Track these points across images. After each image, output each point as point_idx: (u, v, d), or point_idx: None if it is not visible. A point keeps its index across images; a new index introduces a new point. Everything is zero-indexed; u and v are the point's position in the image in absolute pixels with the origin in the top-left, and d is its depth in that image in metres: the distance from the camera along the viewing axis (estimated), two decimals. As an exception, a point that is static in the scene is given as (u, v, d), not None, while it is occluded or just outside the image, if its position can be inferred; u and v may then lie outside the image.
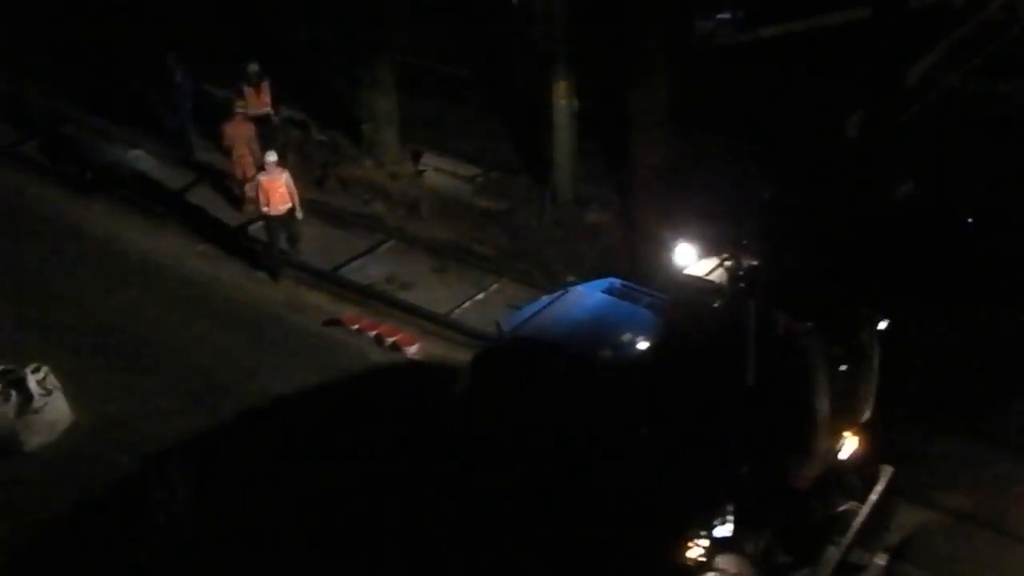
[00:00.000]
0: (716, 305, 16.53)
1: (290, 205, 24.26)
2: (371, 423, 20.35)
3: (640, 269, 23.85)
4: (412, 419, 19.90)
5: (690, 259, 17.50)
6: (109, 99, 30.32)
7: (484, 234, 25.71)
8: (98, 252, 25.43)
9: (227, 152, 26.31)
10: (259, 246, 25.21)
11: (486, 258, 25.17)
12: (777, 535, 16.46)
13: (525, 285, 24.25)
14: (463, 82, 30.04)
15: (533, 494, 16.92)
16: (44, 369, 20.61)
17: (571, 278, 22.58)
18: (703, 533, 16.08)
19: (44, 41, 31.97)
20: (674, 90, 23.24)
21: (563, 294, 19.42)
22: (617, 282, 19.40)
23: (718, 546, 16.11)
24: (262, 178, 24.18)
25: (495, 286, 24.29)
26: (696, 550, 16.11)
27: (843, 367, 16.29)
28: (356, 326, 23.11)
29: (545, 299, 19.45)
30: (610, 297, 19.03)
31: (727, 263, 16.23)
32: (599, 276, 23.83)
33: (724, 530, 16.06)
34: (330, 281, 24.62)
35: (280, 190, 24.05)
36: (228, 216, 26.54)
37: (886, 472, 17.55)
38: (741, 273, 15.99)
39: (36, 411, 20.23)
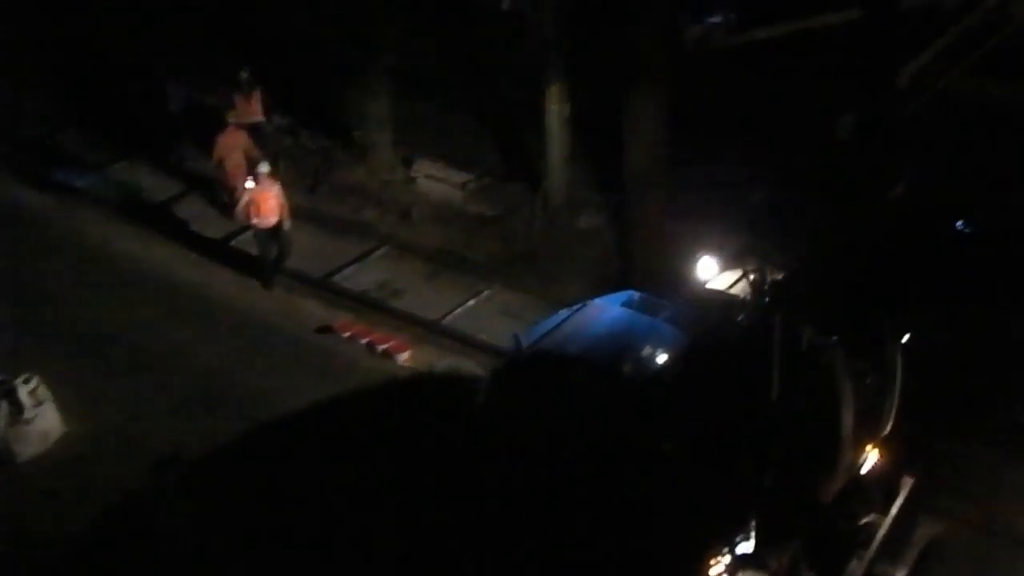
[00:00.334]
0: (740, 319, 16.45)
1: (279, 217, 24.10)
2: (374, 432, 20.32)
3: (633, 274, 23.93)
4: (423, 431, 19.82)
5: (712, 272, 17.44)
6: (99, 107, 30.23)
7: (476, 240, 25.67)
8: (90, 261, 25.37)
9: (218, 162, 26.21)
10: (251, 256, 25.15)
11: (478, 264, 25.13)
12: (801, 549, 16.36)
13: (518, 291, 24.23)
14: (455, 88, 29.99)
15: (553, 510, 16.69)
16: (35, 379, 20.55)
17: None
18: (726, 549, 15.92)
19: (33, 49, 31.86)
20: (667, 94, 23.18)
21: (582, 307, 19.22)
22: (636, 295, 19.28)
23: (741, 562, 15.97)
24: (252, 190, 23.99)
25: (487, 292, 24.24)
26: (719, 567, 15.95)
27: (867, 380, 16.21)
28: (348, 333, 23.07)
29: (564, 312, 19.27)
30: (629, 310, 18.88)
31: (752, 276, 16.10)
32: (593, 282, 23.96)
33: (747, 546, 15.93)
34: (322, 288, 24.57)
35: (270, 202, 23.90)
36: (219, 224, 26.46)
37: (907, 483, 17.46)
38: (766, 287, 15.87)
39: (27, 422, 20.19)
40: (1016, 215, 22.44)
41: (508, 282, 24.46)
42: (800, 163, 24.70)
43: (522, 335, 18.71)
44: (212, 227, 26.45)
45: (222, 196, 26.76)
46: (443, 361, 22.35)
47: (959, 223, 22.68)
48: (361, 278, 24.93)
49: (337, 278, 24.91)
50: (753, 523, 15.87)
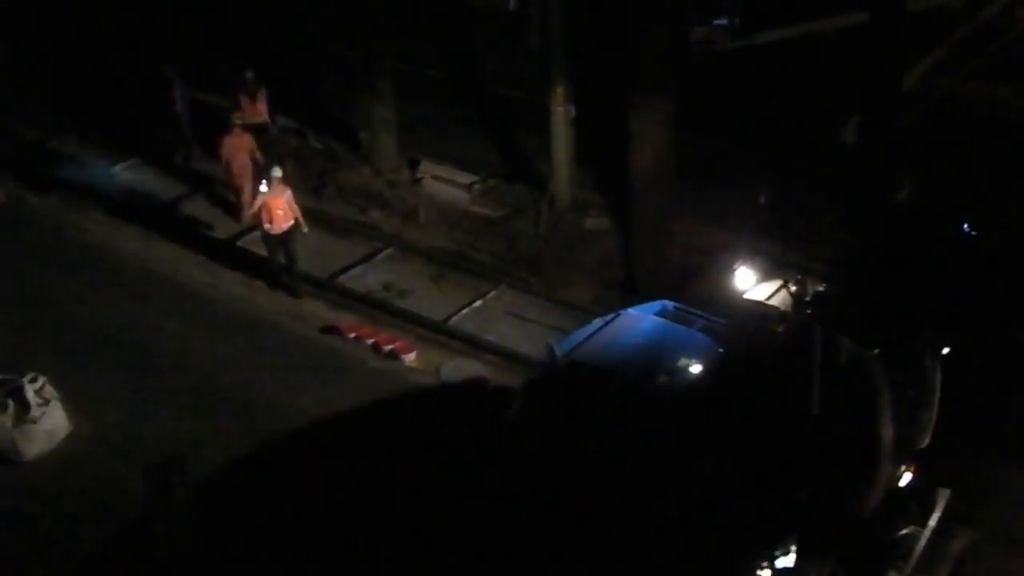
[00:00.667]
0: (778, 330, 16.36)
1: (292, 223, 24.02)
2: (389, 437, 20.33)
3: (638, 275, 23.96)
4: (445, 438, 19.78)
5: (749, 283, 17.33)
6: (104, 108, 30.24)
7: (482, 241, 25.70)
8: (95, 261, 25.37)
9: (225, 164, 26.24)
10: (256, 257, 25.17)
11: (484, 265, 25.15)
12: (841, 563, 16.19)
13: (523, 292, 24.25)
14: (460, 89, 30.02)
15: (588, 523, 16.52)
16: (41, 379, 20.55)
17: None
18: (765, 564, 15.77)
19: (37, 50, 31.89)
20: (671, 96, 23.21)
21: (615, 317, 19.04)
22: (670, 304, 19.11)
23: None
24: (265, 195, 23.89)
25: (493, 293, 24.27)
26: None
27: (907, 394, 16.17)
28: (353, 334, 23.08)
29: (597, 322, 19.09)
30: (663, 320, 18.72)
31: (792, 288, 15.97)
32: (599, 283, 23.99)
33: (786, 561, 15.76)
34: (328, 289, 24.59)
35: (282, 208, 23.85)
36: (225, 225, 26.49)
37: (943, 495, 17.36)
38: (808, 299, 15.74)
39: (34, 421, 20.18)
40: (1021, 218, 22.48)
41: (514, 283, 24.49)
42: (805, 166, 24.75)
43: (555, 344, 18.62)
44: (218, 227, 26.48)
45: (228, 197, 26.79)
46: (450, 362, 22.38)
47: (965, 226, 22.70)
48: (367, 279, 24.96)
49: (343, 279, 24.94)
50: (792, 538, 15.70)
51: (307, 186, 26.95)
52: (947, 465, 17.69)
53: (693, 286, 23.40)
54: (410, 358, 22.55)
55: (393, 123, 27.72)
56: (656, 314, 18.90)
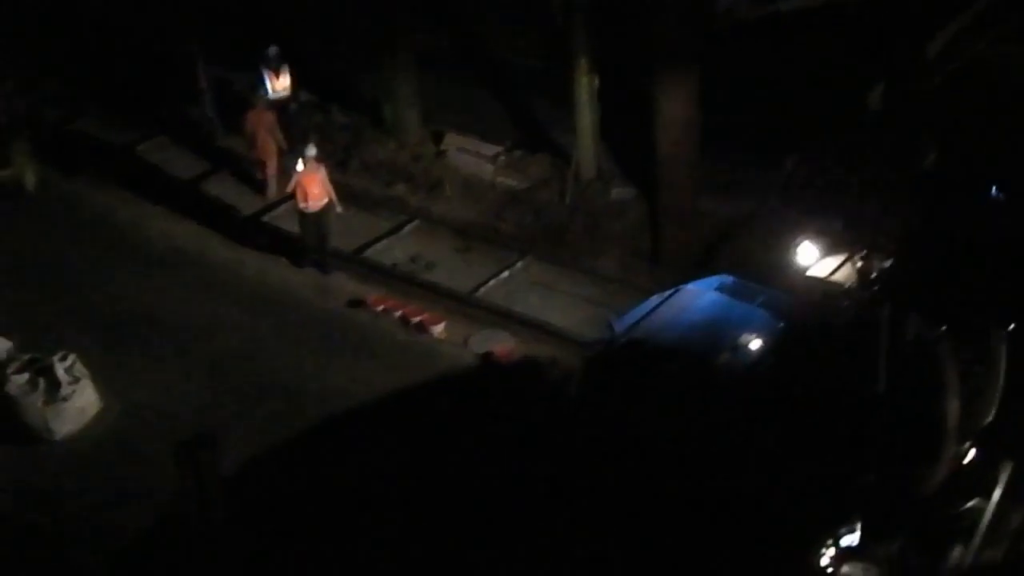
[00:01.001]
0: (844, 307, 16.20)
1: (327, 200, 24.01)
2: (426, 413, 20.36)
3: (664, 246, 23.92)
4: (494, 416, 19.80)
5: (812, 259, 17.17)
6: (128, 87, 30.24)
7: (507, 213, 25.68)
8: (123, 240, 25.47)
9: (249, 140, 26.28)
10: (282, 232, 25.20)
11: (510, 237, 25.14)
12: (907, 539, 16.02)
13: (550, 263, 24.23)
14: (484, 61, 29.96)
15: (651, 501, 16.47)
16: (71, 357, 20.66)
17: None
18: (830, 542, 15.66)
19: (60, 30, 31.87)
20: (695, 66, 23.14)
21: (673, 293, 18.93)
22: (729, 279, 18.96)
23: (846, 555, 15.67)
24: (300, 173, 23.87)
25: (519, 265, 24.25)
26: (824, 559, 15.68)
27: (973, 371, 16.04)
28: (381, 307, 23.11)
29: (655, 299, 18.99)
30: (723, 296, 18.53)
31: (858, 264, 15.79)
32: (625, 254, 23.95)
33: (851, 539, 15.65)
34: (354, 263, 24.61)
35: (317, 186, 23.82)
36: (250, 201, 26.51)
37: (1006, 468, 17.09)
38: (874, 275, 15.57)
39: (64, 399, 20.30)
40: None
41: (540, 254, 24.46)
42: (830, 133, 24.65)
43: (614, 321, 18.52)
44: (243, 204, 26.49)
45: (253, 173, 26.82)
46: (478, 334, 22.39)
47: (993, 191, 22.59)
48: (393, 252, 24.96)
49: (369, 253, 24.94)
50: (857, 516, 15.59)
51: (332, 161, 26.89)
52: (1010, 438, 17.50)
53: (722, 255, 23.41)
54: (438, 330, 22.57)
55: (417, 96, 27.67)
56: (716, 289, 18.70)
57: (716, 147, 24.38)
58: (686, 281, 22.82)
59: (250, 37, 28.93)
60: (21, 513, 18.96)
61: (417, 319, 22.67)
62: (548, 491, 17.40)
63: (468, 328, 22.70)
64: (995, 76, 25.24)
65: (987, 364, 16.30)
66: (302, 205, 23.82)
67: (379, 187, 26.90)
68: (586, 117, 25.24)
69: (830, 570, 15.71)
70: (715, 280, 18.95)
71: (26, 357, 20.71)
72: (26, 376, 20.33)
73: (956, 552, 16.12)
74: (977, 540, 16.22)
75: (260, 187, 26.62)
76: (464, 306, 23.28)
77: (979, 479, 16.60)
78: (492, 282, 23.80)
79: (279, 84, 27.19)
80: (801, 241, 17.21)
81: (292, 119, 27.39)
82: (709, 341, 17.45)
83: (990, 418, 16.43)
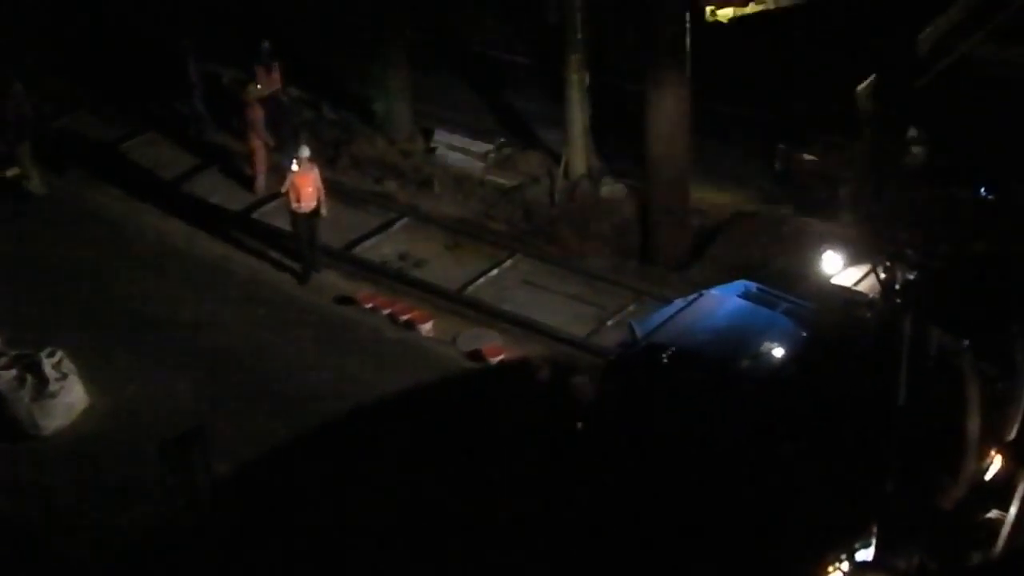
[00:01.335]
0: (866, 317, 16.13)
1: (318, 202, 23.78)
2: (417, 413, 20.32)
3: (655, 242, 23.91)
4: (505, 417, 19.73)
5: (837, 267, 17.10)
6: (117, 82, 30.17)
7: (497, 210, 25.66)
8: (112, 236, 25.38)
9: (242, 135, 26.30)
10: (272, 228, 25.18)
11: (499, 234, 25.12)
12: (926, 551, 15.86)
13: (540, 261, 24.21)
14: (475, 58, 29.93)
15: (666, 506, 16.46)
16: (59, 353, 20.61)
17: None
18: (844, 555, 15.58)
19: (48, 26, 31.78)
20: (686, 62, 23.12)
21: (697, 298, 18.82)
22: (752, 286, 18.81)
23: (860, 568, 15.59)
24: (294, 174, 23.64)
25: (509, 262, 24.24)
26: (837, 573, 15.60)
27: (996, 387, 15.95)
28: (370, 304, 23.09)
29: (678, 303, 18.91)
30: (746, 302, 18.43)
31: (882, 274, 15.66)
32: (615, 251, 23.94)
33: (866, 553, 15.56)
34: (343, 259, 24.56)
35: (310, 187, 23.64)
36: (240, 197, 26.47)
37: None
38: (897, 286, 15.46)
39: (52, 395, 20.25)
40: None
41: (530, 251, 24.45)
42: (820, 130, 24.66)
43: (636, 325, 18.45)
44: (232, 199, 26.45)
45: (242, 169, 26.80)
46: (466, 331, 22.36)
47: (982, 189, 22.60)
48: (382, 249, 24.95)
49: (358, 249, 24.92)
50: (873, 529, 15.48)
51: (322, 157, 26.86)
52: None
53: (711, 253, 23.41)
54: (427, 328, 22.54)
55: (407, 93, 27.64)
56: (739, 295, 18.59)
57: (708, 141, 24.38)
58: (678, 281, 23.01)
59: (241, 32, 28.94)
60: (7, 509, 18.90)
61: (405, 316, 22.64)
62: (561, 492, 17.41)
63: (457, 326, 22.67)
64: (985, 73, 25.25)
65: (1010, 380, 16.17)
66: (295, 206, 23.65)
67: (369, 183, 26.88)
68: (577, 114, 25.23)
69: None
70: (739, 286, 18.84)
71: (13, 353, 20.65)
72: (13, 372, 20.26)
73: (973, 561, 16.04)
74: (996, 550, 16.08)
75: (250, 182, 26.60)
76: (453, 304, 23.24)
77: (998, 491, 16.47)
78: (481, 280, 23.79)
79: (271, 80, 27.15)
80: (825, 250, 17.11)
81: (282, 115, 27.35)
82: (730, 347, 17.39)
83: (1012, 435, 16.31)
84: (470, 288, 23.61)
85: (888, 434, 15.23)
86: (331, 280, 24.10)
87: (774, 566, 15.72)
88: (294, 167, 23.67)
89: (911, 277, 15.16)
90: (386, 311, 22.85)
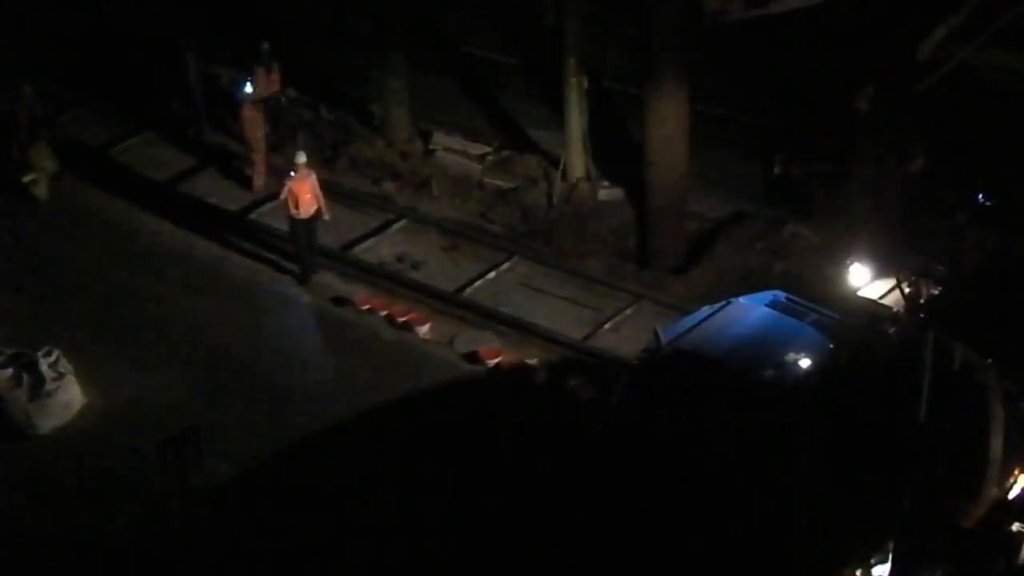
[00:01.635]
0: (890, 332, 16.06)
1: (317, 207, 23.69)
2: (411, 413, 20.33)
3: (652, 246, 23.94)
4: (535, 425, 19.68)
5: (864, 280, 17.02)
6: (115, 81, 30.14)
7: (495, 212, 25.68)
8: (109, 235, 25.36)
9: (242, 136, 26.33)
10: (270, 229, 25.19)
11: (497, 236, 25.13)
12: (943, 568, 15.76)
13: (537, 263, 24.23)
14: (473, 60, 29.95)
15: (681, 513, 16.32)
16: (56, 352, 20.61)
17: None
18: (859, 572, 15.40)
19: (48, 25, 31.75)
20: (686, 66, 23.15)
21: (724, 306, 18.51)
22: (782, 295, 18.51)
23: None
24: (292, 181, 23.52)
25: (506, 265, 24.25)
26: None
27: (1020, 406, 15.82)
28: (367, 306, 23.08)
29: (705, 310, 18.59)
30: (774, 312, 18.16)
31: (907, 289, 15.56)
32: (612, 255, 23.94)
33: (883, 570, 15.35)
34: (340, 261, 24.56)
35: (308, 193, 23.56)
36: (237, 197, 26.47)
37: None
38: (922, 301, 15.33)
39: (48, 394, 20.24)
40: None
41: (527, 254, 24.46)
42: (818, 135, 24.68)
43: (661, 330, 18.45)
44: (230, 200, 26.44)
45: (242, 169, 26.80)
46: (463, 334, 22.38)
47: (980, 196, 22.61)
48: (380, 250, 24.95)
49: (355, 251, 24.91)
50: (890, 546, 15.30)
51: (320, 158, 26.87)
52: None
53: (708, 257, 23.43)
54: (424, 330, 22.54)
55: (406, 94, 27.65)
56: (767, 305, 18.36)
57: (706, 146, 24.40)
58: (676, 285, 23.04)
59: (240, 33, 28.94)
60: (4, 508, 18.89)
61: (403, 318, 22.64)
62: (570, 494, 17.37)
63: (454, 328, 22.68)
64: (984, 80, 25.29)
65: None
66: (293, 212, 23.58)
67: (367, 185, 26.86)
68: (575, 117, 25.24)
69: None
70: (767, 295, 18.71)
71: (10, 352, 20.65)
72: (10, 371, 20.26)
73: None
74: (1018, 564, 16.03)
75: (248, 182, 26.60)
76: (450, 306, 23.25)
77: (1021, 508, 16.34)
78: (478, 282, 23.80)
79: (270, 80, 27.17)
80: (853, 262, 17.10)
81: (281, 115, 27.37)
82: (754, 356, 17.19)
83: None
84: (468, 290, 23.63)
85: (908, 449, 15.18)
86: (328, 281, 24.08)
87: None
88: (291, 174, 23.61)
89: (935, 292, 15.11)
90: (383, 312, 22.85)
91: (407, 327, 22.52)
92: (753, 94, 26.45)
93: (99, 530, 18.40)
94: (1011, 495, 16.15)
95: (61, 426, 20.31)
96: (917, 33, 22.68)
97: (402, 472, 18.93)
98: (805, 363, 16.95)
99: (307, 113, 28.45)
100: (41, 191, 26.31)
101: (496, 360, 21.58)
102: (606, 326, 22.54)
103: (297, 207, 23.47)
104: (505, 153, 26.91)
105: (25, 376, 20.19)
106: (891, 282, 16.98)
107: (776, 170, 24.64)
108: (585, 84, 25.07)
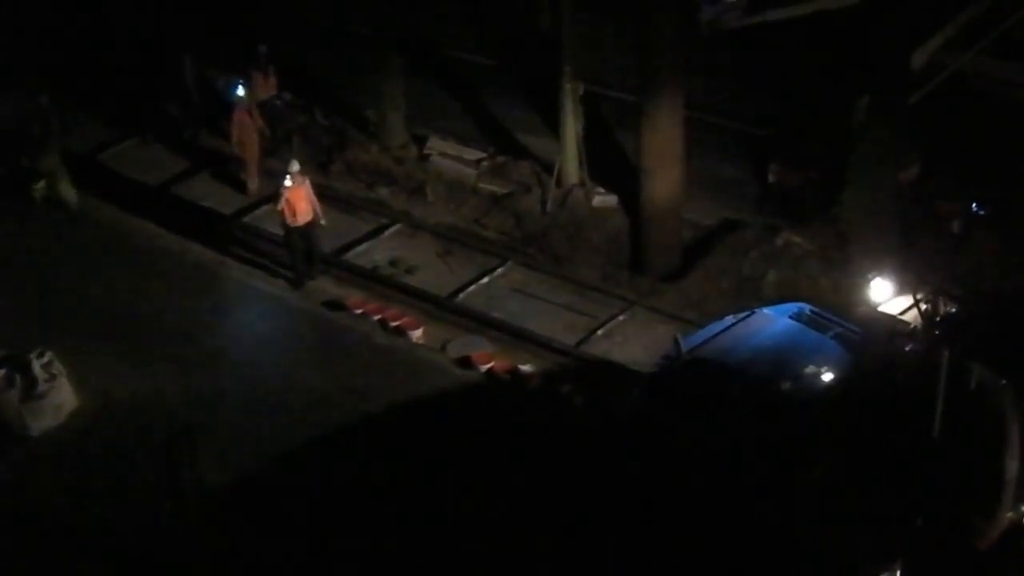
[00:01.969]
0: (908, 348, 16.03)
1: (312, 215, 23.73)
2: (405, 417, 20.27)
3: (646, 253, 23.96)
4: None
5: (885, 295, 17.00)
6: (113, 86, 30.13)
7: (489, 218, 25.70)
8: (104, 238, 25.32)
9: (236, 140, 26.35)
10: (263, 233, 25.19)
11: (491, 242, 25.16)
12: None
13: (531, 269, 24.25)
14: (469, 66, 29.97)
15: (693, 520, 16.46)
16: (48, 354, 20.56)
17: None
18: None
19: (47, 27, 31.74)
20: (682, 75, 23.19)
21: (748, 315, 18.78)
22: (807, 308, 18.77)
23: None
24: (287, 190, 23.52)
25: (500, 270, 24.30)
26: None
27: None
28: (360, 310, 23.07)
29: (729, 319, 18.88)
30: (797, 324, 18.38)
31: (924, 306, 15.49)
32: (606, 261, 23.96)
33: None
34: (334, 265, 24.55)
35: (303, 202, 23.59)
36: (232, 200, 26.48)
37: None
38: (938, 319, 15.29)
39: (41, 396, 20.20)
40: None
41: (521, 260, 24.49)
42: (813, 143, 24.71)
43: (682, 338, 18.44)
44: (225, 203, 26.45)
45: (236, 173, 26.81)
46: (457, 339, 22.39)
47: (974, 205, 22.66)
48: (374, 255, 24.97)
49: (350, 255, 24.95)
50: (899, 562, 15.32)
51: (314, 162, 26.90)
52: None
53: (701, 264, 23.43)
54: (417, 334, 22.54)
55: (401, 99, 27.67)
56: (791, 317, 18.56)
57: (701, 154, 24.43)
58: (669, 292, 23.05)
59: (236, 36, 28.96)
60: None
61: (396, 323, 22.64)
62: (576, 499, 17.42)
63: (447, 333, 22.71)
64: (978, 90, 25.35)
65: None
66: (290, 221, 23.59)
67: (361, 189, 26.92)
68: (571, 124, 25.24)
69: None
70: (792, 307, 18.77)
71: (3, 353, 20.61)
72: (3, 373, 20.21)
73: None
74: None
75: (242, 186, 26.61)
76: (443, 311, 23.26)
77: None
78: (472, 287, 23.83)
79: (267, 84, 27.20)
80: (874, 276, 17.09)
81: (277, 119, 27.40)
82: (774, 367, 17.35)
83: None
84: (461, 295, 23.66)
85: (921, 466, 15.13)
86: (322, 285, 24.11)
87: None
88: (287, 183, 23.56)
89: (952, 310, 15.04)
90: (376, 317, 22.85)
91: (400, 332, 22.51)
92: (748, 102, 26.49)
93: (91, 531, 18.36)
94: None
95: (54, 428, 20.25)
96: (912, 43, 22.73)
97: (395, 476, 18.90)
98: (823, 377, 16.99)
99: (302, 117, 28.45)
100: (69, 195, 26.09)
101: (489, 365, 21.58)
102: (599, 332, 22.59)
103: (294, 216, 23.48)
104: (500, 159, 26.93)
105: (18, 377, 20.15)
106: (911, 298, 16.92)
107: (771, 178, 24.67)
108: (581, 91, 25.08)
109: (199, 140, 28.40)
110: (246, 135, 26.26)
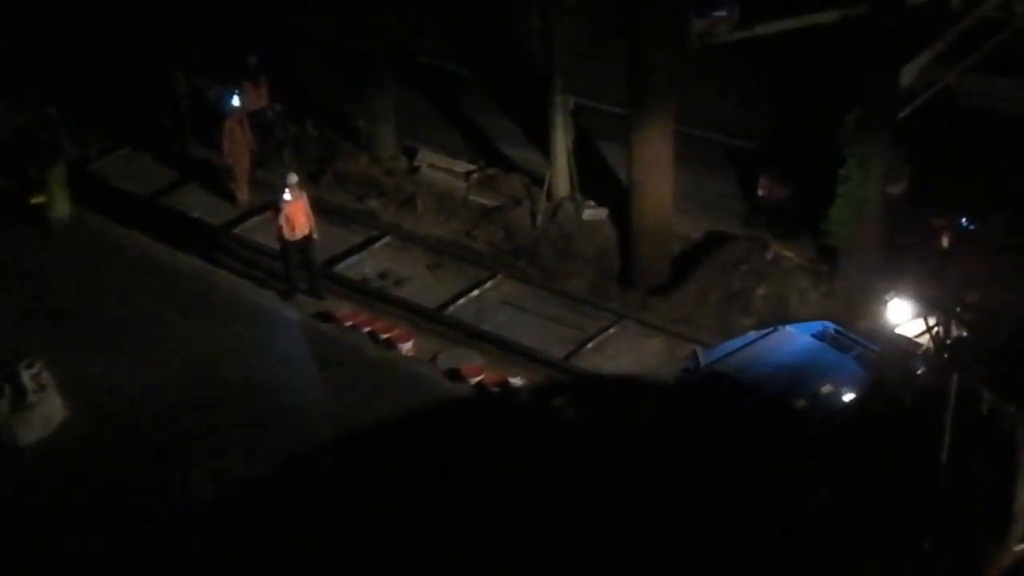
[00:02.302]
0: (919, 372, 16.04)
1: (308, 229, 23.69)
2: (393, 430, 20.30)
3: (636, 266, 23.97)
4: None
5: (903, 316, 17.00)
6: (102, 96, 30.10)
7: (479, 230, 25.70)
8: (94, 248, 25.31)
9: (226, 151, 26.34)
10: (252, 243, 25.19)
11: (481, 254, 25.17)
12: None
13: (521, 282, 24.26)
14: (460, 79, 29.99)
15: (701, 533, 16.51)
16: (37, 364, 20.57)
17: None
18: None
19: (30, 37, 31.70)
20: (671, 87, 23.22)
21: (771, 332, 18.85)
22: (831, 326, 18.79)
23: None
24: (287, 204, 23.45)
25: (490, 283, 24.30)
26: None
27: None
28: (350, 322, 23.08)
29: (752, 335, 18.95)
30: (819, 342, 18.39)
31: (935, 330, 15.48)
32: (596, 274, 23.98)
33: None
34: (324, 277, 24.54)
35: (302, 215, 23.54)
36: (222, 211, 26.48)
37: None
38: (948, 342, 15.28)
39: (30, 406, 20.23)
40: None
41: (511, 273, 24.50)
42: (802, 158, 24.75)
43: (701, 352, 18.42)
44: (215, 214, 26.45)
45: (226, 183, 26.81)
46: (446, 351, 22.40)
47: (963, 220, 22.67)
48: (363, 267, 24.97)
49: (340, 267, 24.94)
50: None
51: (305, 173, 26.89)
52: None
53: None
54: (407, 347, 22.56)
55: (392, 112, 27.68)
56: (814, 335, 18.58)
57: (691, 167, 24.46)
58: (658, 305, 23.07)
59: (227, 47, 28.95)
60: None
61: (386, 335, 22.64)
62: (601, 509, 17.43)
63: (437, 345, 22.72)
64: (967, 105, 25.41)
65: None
66: (288, 235, 23.54)
67: (351, 201, 26.90)
68: (561, 137, 25.25)
69: None
70: (816, 325, 18.79)
71: (-8, 364, 20.66)
72: (-9, 383, 20.28)
73: None
74: None
75: (232, 196, 26.60)
76: (433, 323, 23.26)
77: None
78: (462, 300, 23.83)
79: (258, 95, 27.21)
80: (892, 297, 17.11)
81: (268, 129, 27.40)
82: (791, 384, 17.41)
83: None
84: (451, 308, 23.66)
85: (931, 492, 15.13)
86: (312, 297, 24.09)
87: None
88: (286, 196, 23.48)
89: (963, 335, 15.02)
90: (366, 329, 22.86)
91: (390, 344, 22.53)
92: (738, 116, 26.52)
93: (80, 540, 18.35)
94: None
95: (43, 438, 20.27)
96: (902, 58, 22.79)
97: (384, 489, 18.91)
98: (841, 396, 17.01)
99: (293, 128, 28.45)
100: (61, 210, 26.01)
101: (479, 378, 21.59)
102: (589, 345, 22.61)
103: (293, 230, 23.45)
104: (490, 171, 26.92)
105: (7, 387, 20.16)
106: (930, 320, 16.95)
107: (760, 192, 24.70)
108: (571, 104, 25.10)
109: (188, 151, 28.36)
110: (237, 146, 26.25)
